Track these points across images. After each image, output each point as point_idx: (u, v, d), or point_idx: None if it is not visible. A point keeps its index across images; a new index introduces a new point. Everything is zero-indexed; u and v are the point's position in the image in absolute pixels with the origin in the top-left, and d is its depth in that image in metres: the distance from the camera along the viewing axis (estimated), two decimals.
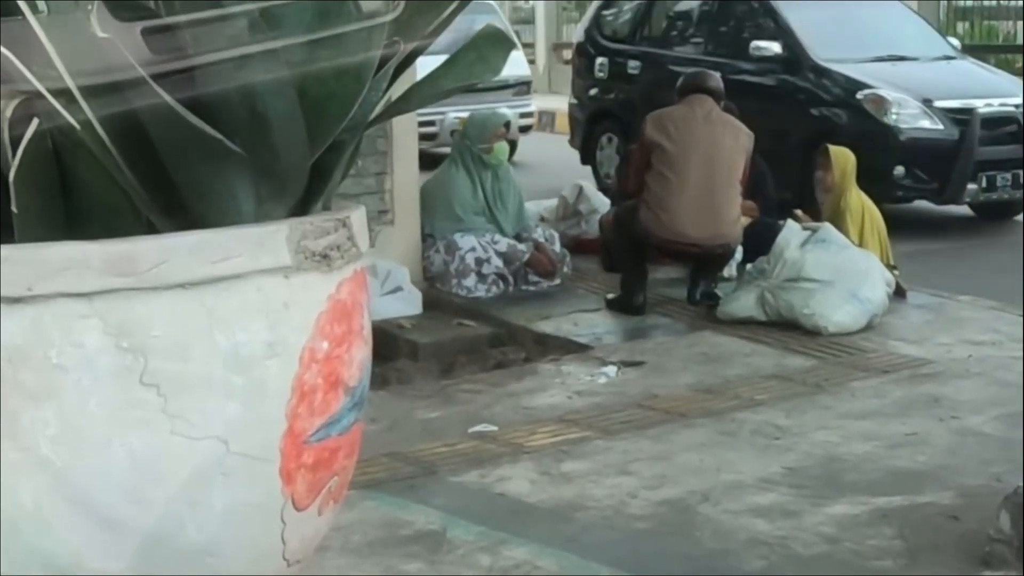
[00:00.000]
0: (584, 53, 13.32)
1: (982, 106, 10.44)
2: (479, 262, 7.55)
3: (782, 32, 11.20)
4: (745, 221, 7.56)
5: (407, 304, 7.17)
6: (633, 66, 12.43)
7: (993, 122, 10.44)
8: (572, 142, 13.21)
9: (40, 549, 2.30)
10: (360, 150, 3.02)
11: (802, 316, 6.57)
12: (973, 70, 11.64)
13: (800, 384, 5.73)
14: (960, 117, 10.37)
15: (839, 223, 7.28)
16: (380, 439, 4.83)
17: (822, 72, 10.83)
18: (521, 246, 7.70)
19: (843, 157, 7.69)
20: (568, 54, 23.55)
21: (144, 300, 2.26)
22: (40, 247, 2.26)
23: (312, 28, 2.42)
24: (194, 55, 2.27)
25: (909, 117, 10.38)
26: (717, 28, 12.01)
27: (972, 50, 14.19)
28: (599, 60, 12.91)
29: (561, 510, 4.30)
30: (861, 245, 7.23)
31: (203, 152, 2.35)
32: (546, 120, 17.74)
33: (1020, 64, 12.88)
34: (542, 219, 8.73)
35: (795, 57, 11.01)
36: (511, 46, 2.87)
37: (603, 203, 8.75)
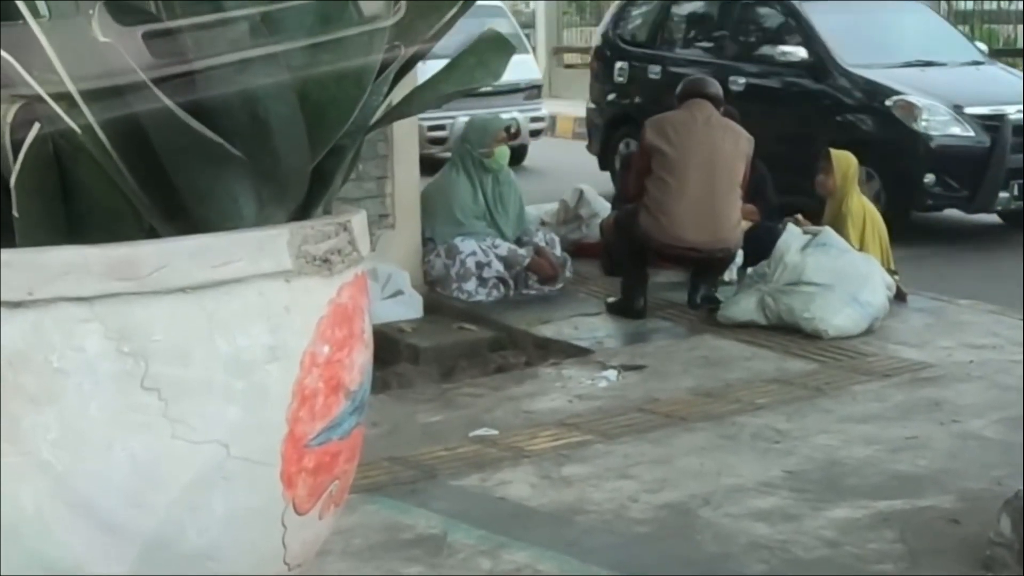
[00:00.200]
0: (602, 57, 13.16)
1: (1013, 112, 10.18)
2: (480, 266, 7.55)
3: (807, 37, 11.05)
4: (745, 225, 7.56)
5: (408, 308, 7.17)
6: (654, 70, 12.25)
7: None
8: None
9: (41, 553, 2.30)
10: (361, 154, 3.02)
11: (803, 320, 6.57)
12: (1002, 75, 11.41)
13: (801, 388, 5.73)
14: (991, 124, 10.17)
15: (840, 227, 7.28)
16: (381, 443, 4.84)
17: (849, 78, 10.68)
18: (522, 250, 7.70)
19: (844, 161, 7.69)
20: (568, 58, 23.60)
21: (145, 304, 2.26)
22: (41, 251, 2.26)
23: (313, 32, 2.42)
24: (195, 59, 2.27)
25: (939, 124, 10.21)
26: (740, 32, 11.84)
27: None
28: (618, 64, 12.74)
29: (562, 514, 4.30)
30: (862, 249, 7.23)
31: (204, 156, 2.35)
32: (547, 124, 17.67)
33: (1021, 68, 12.82)
34: (543, 223, 8.73)
35: (821, 62, 10.86)
36: (512, 50, 2.87)
37: (604, 207, 8.75)
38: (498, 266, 7.57)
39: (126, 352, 2.24)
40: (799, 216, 7.68)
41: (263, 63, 2.32)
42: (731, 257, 7.48)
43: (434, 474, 4.65)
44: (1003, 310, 7.14)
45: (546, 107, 16.10)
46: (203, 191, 2.42)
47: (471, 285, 7.52)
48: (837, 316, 6.55)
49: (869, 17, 11.42)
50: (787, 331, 6.59)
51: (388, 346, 6.49)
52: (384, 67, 2.52)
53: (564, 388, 5.81)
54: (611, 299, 7.36)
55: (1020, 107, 10.23)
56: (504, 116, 13.94)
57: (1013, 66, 13.22)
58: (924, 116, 10.20)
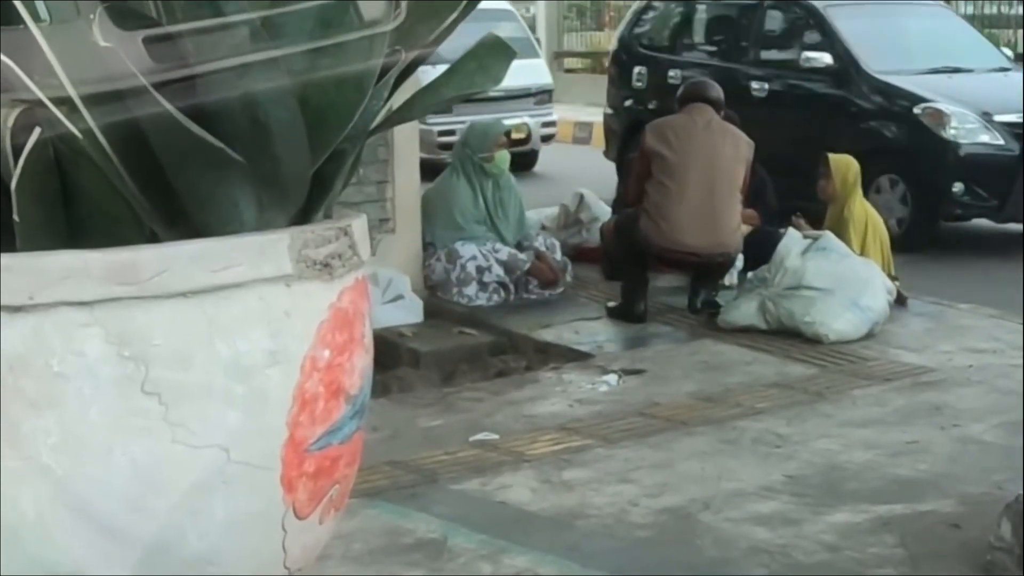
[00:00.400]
0: (620, 62, 12.93)
1: None
2: (480, 270, 7.55)
3: (833, 42, 10.87)
4: (746, 229, 7.56)
5: (408, 312, 7.17)
6: (673, 76, 11.92)
7: None
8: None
9: (41, 558, 2.30)
10: (361, 158, 3.03)
11: (803, 324, 6.57)
12: None
13: (801, 392, 5.73)
14: (1020, 131, 9.99)
15: (841, 231, 7.28)
16: (381, 447, 4.83)
17: (876, 85, 10.51)
18: (522, 255, 7.70)
19: (844, 165, 7.68)
20: (568, 62, 23.62)
21: (145, 309, 2.26)
22: (41, 256, 2.26)
23: (314, 37, 2.42)
24: (196, 64, 2.28)
25: (968, 132, 10.03)
26: (763, 37, 11.66)
27: None
28: (636, 69, 12.52)
29: (562, 518, 4.30)
30: (863, 254, 7.22)
31: (204, 161, 2.35)
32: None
33: (1021, 72, 12.78)
34: (543, 227, 8.73)
35: (846, 68, 10.70)
36: (512, 55, 2.87)
37: (604, 212, 8.75)
38: (498, 270, 7.57)
39: (126, 356, 2.25)
40: (799, 220, 7.67)
41: (264, 67, 2.32)
42: (731, 261, 7.47)
43: (435, 478, 4.65)
44: (1003, 314, 7.14)
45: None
46: (203, 195, 2.43)
47: (471, 289, 7.52)
48: (837, 320, 6.55)
49: (894, 22, 11.27)
50: (787, 335, 6.59)
51: (388, 350, 6.50)
52: (385, 71, 2.53)
53: (565, 392, 5.80)
54: (611, 303, 7.36)
55: None
56: (515, 121, 14.00)
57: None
58: (953, 124, 10.01)
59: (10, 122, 2.30)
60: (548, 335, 6.92)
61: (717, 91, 7.46)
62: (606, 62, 22.26)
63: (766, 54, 11.57)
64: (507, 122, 13.56)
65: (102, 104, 2.25)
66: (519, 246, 7.80)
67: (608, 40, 24.26)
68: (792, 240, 6.90)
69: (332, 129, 2.51)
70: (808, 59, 10.90)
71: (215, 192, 2.42)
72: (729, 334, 6.73)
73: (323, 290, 2.46)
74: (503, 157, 7.93)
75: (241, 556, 2.44)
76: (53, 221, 2.43)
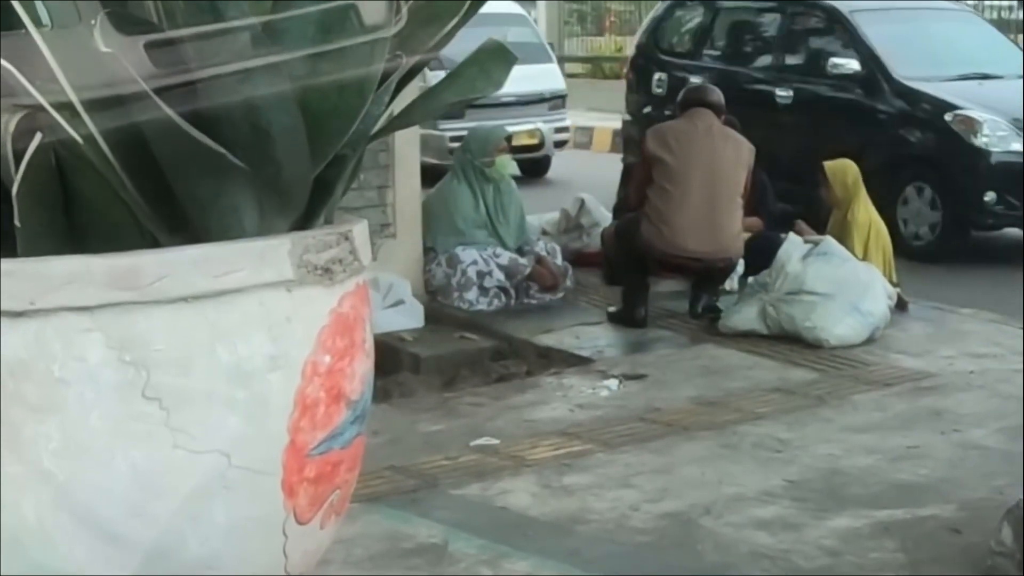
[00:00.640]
0: (639, 67, 12.75)
1: None
2: (481, 275, 7.55)
3: (860, 48, 10.69)
4: (746, 235, 7.56)
5: (409, 317, 7.17)
6: (695, 82, 11.52)
7: None
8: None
9: (42, 563, 2.30)
10: (362, 164, 3.03)
11: (804, 329, 6.57)
12: None
13: (802, 397, 5.73)
14: None
15: (845, 236, 7.27)
16: (382, 452, 4.83)
17: (905, 91, 10.34)
18: (523, 260, 7.70)
19: (841, 171, 7.67)
20: (569, 67, 23.60)
21: (146, 314, 2.26)
22: (42, 261, 2.26)
23: (315, 42, 2.42)
24: (197, 69, 2.28)
25: (1000, 140, 9.83)
26: (789, 43, 11.48)
27: None
28: (657, 75, 12.31)
29: (563, 523, 4.30)
30: (864, 259, 7.21)
31: (206, 166, 2.36)
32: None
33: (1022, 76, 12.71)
34: (544, 232, 8.73)
35: (875, 75, 10.51)
36: (513, 60, 2.87)
37: (605, 216, 8.75)
38: (499, 275, 7.57)
39: (127, 362, 2.25)
40: (801, 224, 7.67)
41: (265, 73, 2.33)
42: (732, 266, 7.47)
43: (435, 483, 4.65)
44: (1004, 319, 7.14)
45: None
46: (204, 201, 2.43)
47: (472, 294, 7.52)
48: (838, 325, 6.55)
49: (921, 27, 11.11)
50: (788, 340, 6.59)
51: (389, 355, 6.49)
52: (386, 77, 2.53)
53: (565, 397, 5.80)
54: (612, 308, 7.36)
55: None
56: (528, 126, 13.97)
57: None
58: (984, 131, 9.83)
59: (11, 127, 2.30)
60: (549, 340, 6.92)
61: (718, 96, 7.46)
62: (606, 67, 22.19)
63: (791, 60, 11.38)
64: (519, 128, 13.57)
65: (103, 109, 2.25)
66: (520, 251, 7.81)
67: (608, 45, 24.33)
68: (793, 245, 6.90)
69: (333, 134, 2.51)
70: (835, 65, 10.71)
71: (216, 197, 2.43)
72: (730, 339, 6.73)
73: (324, 295, 2.47)
74: (503, 162, 7.94)
75: (242, 561, 2.44)
76: (54, 226, 2.43)
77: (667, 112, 11.58)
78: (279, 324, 2.38)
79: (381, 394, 5.66)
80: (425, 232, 7.76)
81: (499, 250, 7.68)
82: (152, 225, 2.45)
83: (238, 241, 2.39)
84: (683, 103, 7.47)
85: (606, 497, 4.52)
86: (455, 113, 12.77)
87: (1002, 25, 18.93)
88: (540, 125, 14.36)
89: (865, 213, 7.57)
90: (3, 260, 2.23)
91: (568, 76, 23.17)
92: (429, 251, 7.75)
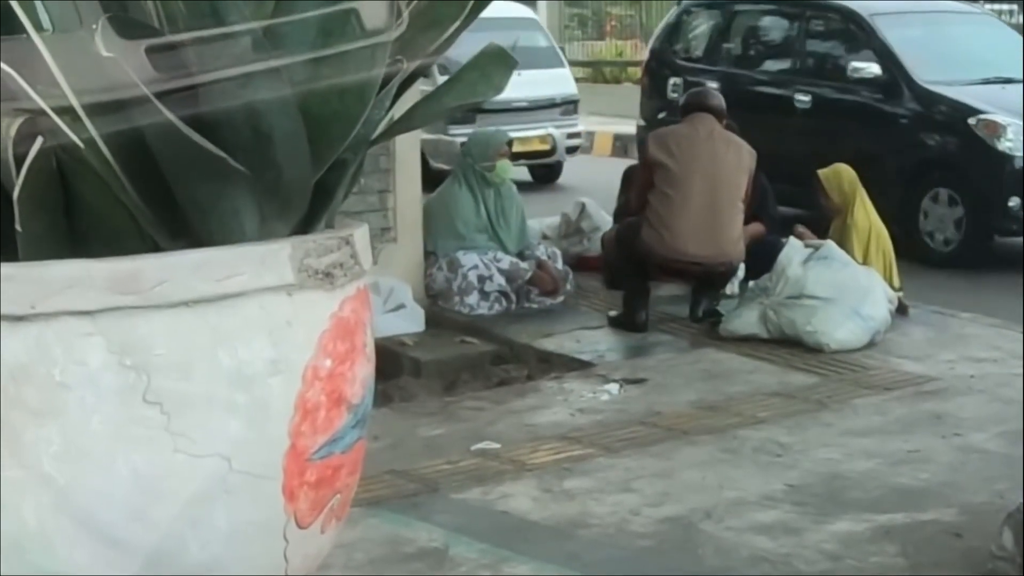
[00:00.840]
0: (654, 72, 12.61)
1: None
2: (481, 280, 7.55)
3: (881, 52, 10.52)
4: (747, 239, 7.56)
5: (410, 321, 7.17)
6: (713, 87, 11.65)
7: None
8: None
9: (43, 567, 2.30)
10: (363, 168, 3.03)
11: (804, 333, 6.57)
12: None
13: (802, 401, 5.73)
14: None
15: (845, 240, 7.27)
16: (383, 456, 4.83)
17: (927, 96, 10.18)
18: (524, 264, 7.70)
19: (836, 177, 7.66)
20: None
21: (147, 318, 2.26)
22: (43, 265, 2.27)
23: (315, 47, 2.43)
24: (198, 73, 2.28)
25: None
26: (808, 47, 11.29)
27: None
28: (672, 80, 12.11)
29: (563, 527, 4.30)
30: (865, 263, 7.21)
31: (206, 170, 2.36)
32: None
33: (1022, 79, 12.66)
34: (544, 237, 8.73)
35: (896, 79, 10.35)
36: (514, 64, 2.87)
37: (605, 221, 8.74)
38: (500, 280, 7.57)
39: (128, 366, 2.25)
40: (801, 229, 7.67)
41: (266, 77, 2.33)
42: (733, 271, 7.47)
43: (436, 488, 4.65)
44: (1004, 323, 7.13)
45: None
46: (206, 205, 2.43)
47: (473, 299, 7.52)
48: (839, 330, 6.54)
49: (941, 31, 11.00)
50: (789, 344, 6.59)
51: (390, 359, 6.49)
52: (386, 81, 2.53)
53: (566, 401, 5.80)
54: (613, 313, 7.36)
55: None
56: (539, 132, 13.91)
57: None
58: (1008, 135, 9.66)
59: (12, 131, 2.30)
60: (549, 344, 6.92)
61: (719, 100, 7.46)
62: (606, 71, 22.11)
63: (809, 64, 11.24)
64: (531, 133, 13.51)
65: (105, 113, 2.26)
66: (520, 255, 7.80)
67: (609, 49, 24.33)
68: (793, 249, 6.90)
69: (334, 139, 2.51)
70: (856, 69, 10.55)
71: (217, 202, 2.43)
72: (730, 343, 6.73)
73: (325, 299, 2.47)
74: (504, 166, 7.94)
75: (242, 565, 2.44)
76: (55, 230, 2.43)
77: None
78: (280, 328, 2.38)
79: (382, 398, 5.66)
80: (426, 236, 7.76)
81: (500, 254, 7.68)
82: (153, 229, 2.45)
83: (239, 245, 2.40)
84: (685, 107, 7.47)
85: (607, 501, 4.52)
86: (466, 118, 12.71)
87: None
88: (552, 130, 14.20)
89: (864, 217, 7.56)
90: (4, 264, 2.24)
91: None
92: (430, 255, 7.75)
